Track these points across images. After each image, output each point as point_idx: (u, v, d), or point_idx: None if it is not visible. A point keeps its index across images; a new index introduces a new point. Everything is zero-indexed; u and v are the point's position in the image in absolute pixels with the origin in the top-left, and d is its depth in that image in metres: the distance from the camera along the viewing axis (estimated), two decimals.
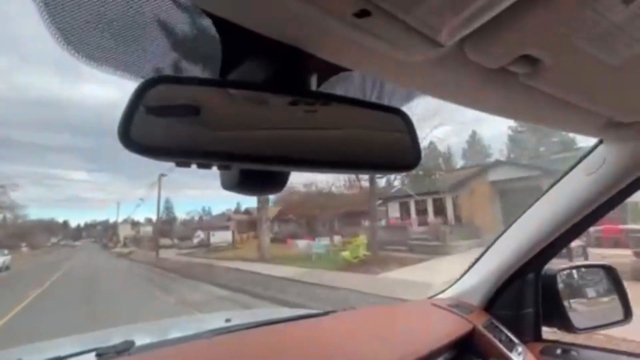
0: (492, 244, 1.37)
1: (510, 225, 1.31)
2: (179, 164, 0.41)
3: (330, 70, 0.54)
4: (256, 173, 0.50)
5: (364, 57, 0.49)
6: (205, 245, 33.29)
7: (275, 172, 0.53)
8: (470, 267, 1.43)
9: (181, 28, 0.47)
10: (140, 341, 1.09)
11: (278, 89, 0.46)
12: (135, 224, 62.52)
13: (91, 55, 0.44)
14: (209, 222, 45.24)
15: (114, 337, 1.20)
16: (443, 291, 1.53)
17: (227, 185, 0.52)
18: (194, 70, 0.52)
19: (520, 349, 1.14)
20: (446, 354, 1.09)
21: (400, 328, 1.17)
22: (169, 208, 60.17)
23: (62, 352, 1.08)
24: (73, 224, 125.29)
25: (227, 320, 1.40)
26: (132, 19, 0.42)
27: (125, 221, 59.91)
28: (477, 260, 1.40)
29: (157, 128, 0.39)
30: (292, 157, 0.45)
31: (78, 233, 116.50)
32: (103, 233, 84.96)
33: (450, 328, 1.16)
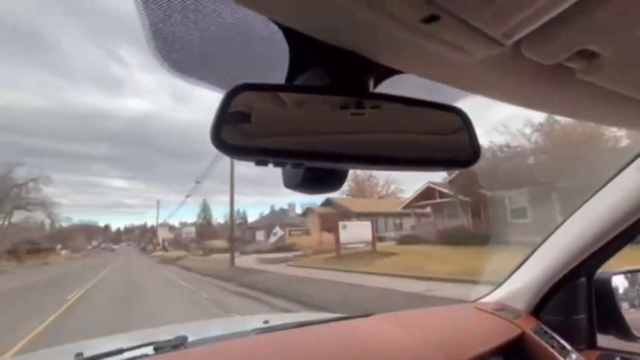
0: (539, 245, 1.32)
1: (558, 226, 1.26)
2: (258, 163, 0.45)
3: (387, 73, 0.57)
4: (319, 171, 0.54)
5: (421, 60, 0.51)
6: (287, 247, 24.27)
7: (336, 170, 0.56)
8: (515, 270, 1.39)
9: (255, 38, 0.51)
10: (191, 337, 1.15)
11: (340, 91, 0.50)
12: (171, 228, 64.26)
13: (178, 67, 0.49)
14: (277, 219, 35.92)
15: (166, 334, 1.27)
16: (486, 295, 1.49)
17: (291, 184, 0.56)
18: (264, 78, 0.56)
19: (574, 356, 1.09)
20: None
21: (444, 332, 1.15)
22: (206, 210, 61.24)
23: (120, 346, 1.16)
24: (113, 227, 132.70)
25: (265, 322, 1.44)
26: (217, 31, 0.47)
27: (162, 225, 61.68)
28: (522, 262, 1.36)
29: (242, 131, 0.43)
30: (357, 154, 0.48)
31: (118, 236, 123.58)
32: (141, 236, 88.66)
33: (496, 332, 1.14)
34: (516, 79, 0.56)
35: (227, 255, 18.52)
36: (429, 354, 0.99)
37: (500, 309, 1.29)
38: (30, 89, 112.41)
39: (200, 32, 0.47)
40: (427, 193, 21.87)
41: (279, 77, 0.56)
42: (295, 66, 0.53)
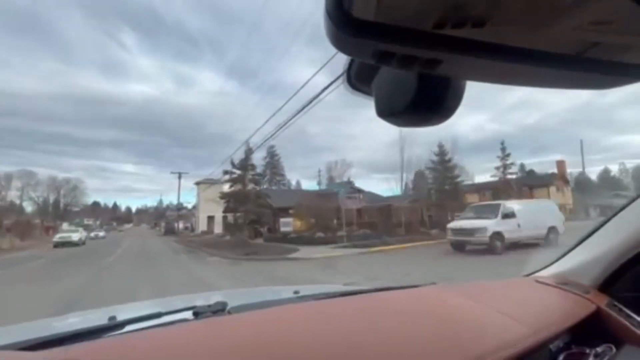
0: (607, 220, 1.24)
1: (629, 203, 1.18)
2: (380, 60, 0.35)
3: None
4: (434, 88, 0.43)
5: None
6: None
7: (451, 86, 0.45)
8: (580, 242, 1.31)
9: None
10: (231, 304, 1.11)
11: None
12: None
13: None
14: None
15: (202, 301, 1.22)
16: (543, 268, 1.43)
17: (396, 109, 0.45)
18: None
19: None
20: (564, 337, 1.01)
21: (516, 304, 1.08)
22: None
23: (157, 310, 1.11)
24: (123, 207, 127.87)
25: (296, 292, 1.39)
26: None
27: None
28: (590, 234, 1.27)
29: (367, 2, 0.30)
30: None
31: (128, 216, 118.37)
32: (157, 217, 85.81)
33: (568, 308, 1.07)
34: None
35: None
36: (510, 326, 0.91)
37: (564, 283, 1.23)
38: (39, 74, 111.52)
39: None
40: None
41: None
42: None
